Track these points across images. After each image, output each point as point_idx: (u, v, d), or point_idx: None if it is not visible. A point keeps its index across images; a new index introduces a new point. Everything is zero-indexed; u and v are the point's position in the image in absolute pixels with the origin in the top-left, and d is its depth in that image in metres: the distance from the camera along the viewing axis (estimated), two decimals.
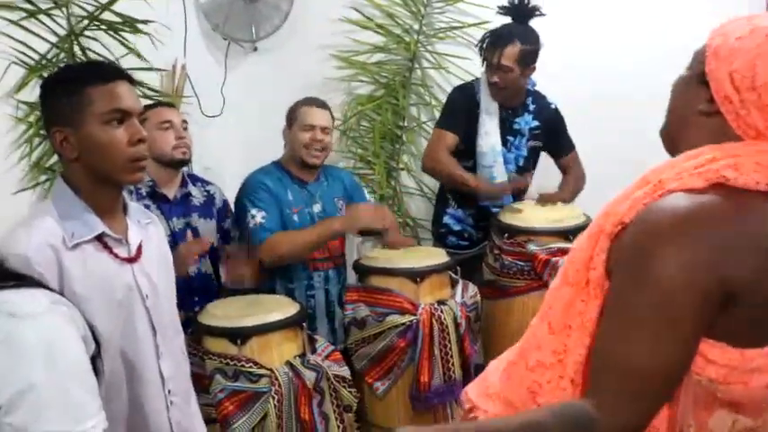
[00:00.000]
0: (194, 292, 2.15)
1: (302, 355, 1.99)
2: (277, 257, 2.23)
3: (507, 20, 2.55)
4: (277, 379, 1.88)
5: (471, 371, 2.28)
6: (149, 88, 2.61)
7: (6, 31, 2.24)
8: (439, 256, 2.39)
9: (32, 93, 2.24)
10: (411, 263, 2.29)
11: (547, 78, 2.70)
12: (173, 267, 1.54)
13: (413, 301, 2.20)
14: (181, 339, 1.51)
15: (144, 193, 2.08)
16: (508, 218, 2.45)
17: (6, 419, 0.81)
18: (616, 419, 0.82)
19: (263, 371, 1.88)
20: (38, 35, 2.32)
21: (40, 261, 1.20)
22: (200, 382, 1.85)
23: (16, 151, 2.30)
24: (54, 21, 2.35)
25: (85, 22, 2.41)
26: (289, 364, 1.94)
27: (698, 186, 0.83)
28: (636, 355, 0.82)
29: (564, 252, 2.26)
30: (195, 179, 2.30)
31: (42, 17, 2.32)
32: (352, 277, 2.50)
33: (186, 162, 2.19)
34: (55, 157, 2.20)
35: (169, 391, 1.42)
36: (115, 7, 2.44)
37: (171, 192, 2.14)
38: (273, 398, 1.86)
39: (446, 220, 2.77)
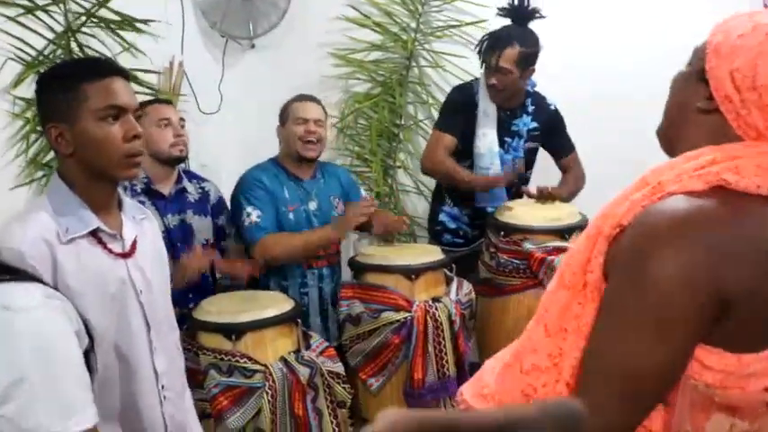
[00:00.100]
0: (189, 289, 2.15)
1: (296, 351, 2.00)
2: (270, 258, 2.25)
3: (506, 21, 2.55)
4: (271, 374, 1.89)
5: (465, 368, 2.30)
6: (147, 86, 2.62)
7: (3, 27, 2.24)
8: (434, 254, 2.40)
9: (29, 89, 2.25)
10: (406, 260, 2.30)
11: (547, 79, 2.70)
12: (167, 264, 1.54)
13: (408, 298, 2.21)
14: (176, 335, 1.51)
15: (139, 190, 2.09)
16: (504, 216, 2.45)
17: None
18: (603, 420, 0.81)
19: (257, 366, 1.89)
20: (35, 31, 2.32)
21: (34, 255, 1.20)
22: (195, 378, 1.86)
23: (13, 147, 2.31)
24: (51, 17, 2.35)
25: (83, 18, 2.41)
26: (283, 359, 1.95)
27: (697, 189, 0.82)
28: (628, 357, 0.81)
29: (560, 251, 2.27)
30: (191, 176, 2.30)
31: (40, 13, 2.32)
32: (347, 274, 2.51)
33: (183, 159, 2.20)
34: (52, 154, 2.21)
35: (163, 387, 1.41)
36: (113, 4, 2.45)
37: (166, 188, 2.15)
38: (267, 393, 1.87)
39: (442, 217, 2.77)
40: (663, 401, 0.85)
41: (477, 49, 2.56)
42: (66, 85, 1.28)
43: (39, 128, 2.23)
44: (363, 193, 2.62)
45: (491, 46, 2.49)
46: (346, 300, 2.26)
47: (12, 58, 2.27)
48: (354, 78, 3.19)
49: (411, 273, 2.24)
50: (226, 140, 3.02)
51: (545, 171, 2.85)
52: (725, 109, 0.85)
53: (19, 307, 0.87)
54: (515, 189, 2.68)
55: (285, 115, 2.39)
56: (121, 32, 2.51)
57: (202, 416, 1.71)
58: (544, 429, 0.82)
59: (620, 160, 2.86)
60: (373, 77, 3.18)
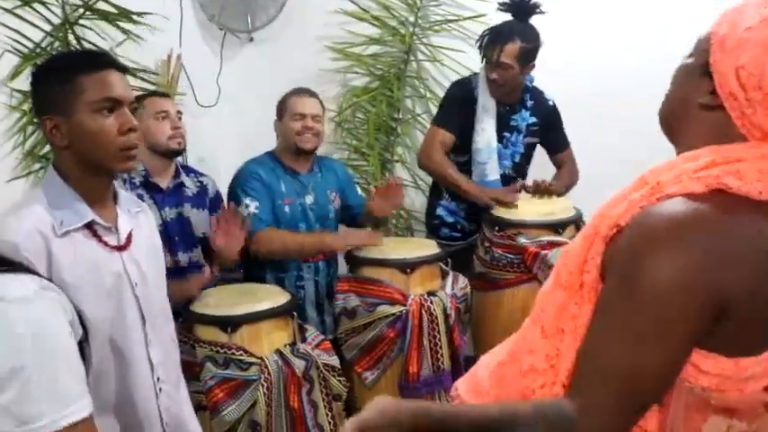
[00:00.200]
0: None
1: (292, 344, 2.01)
2: (266, 252, 2.27)
3: (505, 16, 2.55)
4: (267, 367, 1.90)
5: (461, 362, 2.31)
6: (145, 79, 2.62)
7: (1, 19, 2.23)
8: (430, 248, 2.41)
9: (26, 81, 2.21)
10: (402, 254, 2.31)
11: (547, 76, 2.70)
12: (163, 256, 1.55)
13: (403, 292, 2.22)
14: (171, 327, 1.52)
15: (137, 183, 2.09)
16: (499, 211, 2.46)
17: None
18: (598, 421, 0.80)
19: (252, 359, 1.90)
20: (32, 24, 2.32)
21: (29, 248, 1.21)
22: (191, 370, 1.87)
23: (10, 139, 2.31)
24: (48, 9, 2.34)
25: (80, 11, 2.41)
26: (278, 352, 1.96)
27: (697, 191, 0.79)
28: (623, 358, 0.79)
29: (554, 245, 2.28)
30: (188, 170, 2.30)
31: (37, 5, 2.31)
32: (344, 268, 2.52)
33: (181, 152, 2.20)
34: (49, 146, 2.21)
35: (158, 379, 1.42)
36: None
37: (164, 182, 2.15)
38: (263, 386, 1.88)
39: (439, 211, 2.78)
40: (658, 402, 0.84)
41: (478, 43, 2.56)
42: (61, 78, 1.28)
43: (36, 120, 2.23)
44: (358, 189, 2.63)
45: (492, 41, 2.49)
46: (342, 293, 2.28)
47: (9, 51, 2.26)
48: (352, 72, 3.19)
49: (406, 267, 2.25)
50: (224, 134, 3.02)
51: (541, 167, 2.85)
52: (729, 106, 0.82)
53: (14, 298, 0.88)
54: (512, 184, 2.68)
55: (282, 109, 2.40)
56: (119, 25, 2.51)
57: (198, 408, 1.72)
58: (537, 428, 0.81)
59: (620, 158, 2.86)
60: (371, 71, 3.18)
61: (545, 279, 2.34)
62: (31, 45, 2.32)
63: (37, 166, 2.35)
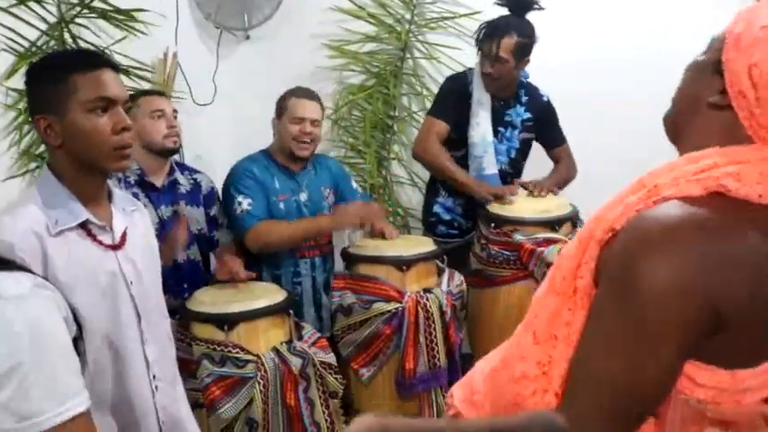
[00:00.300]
0: (183, 280, 2.17)
1: (289, 342, 2.02)
2: (263, 245, 2.27)
3: (501, 12, 2.55)
4: (263, 365, 1.90)
5: (456, 358, 2.32)
6: (140, 77, 2.62)
7: None
8: (426, 245, 2.42)
9: (22, 80, 2.19)
10: (398, 251, 2.31)
11: (547, 74, 2.70)
12: (158, 254, 1.55)
13: (399, 289, 2.22)
14: (167, 323, 1.52)
15: (132, 182, 2.10)
16: (495, 208, 2.47)
17: None
18: None
19: (249, 356, 1.91)
20: (28, 22, 2.32)
21: (23, 248, 1.21)
22: (188, 368, 1.88)
23: (6, 138, 2.31)
24: (44, 8, 2.35)
25: (76, 9, 2.41)
26: (275, 350, 1.96)
27: (695, 194, 0.77)
28: (614, 368, 0.76)
29: (550, 242, 2.28)
30: (183, 167, 2.31)
31: (32, 4, 2.31)
32: (340, 265, 2.52)
33: (176, 151, 2.20)
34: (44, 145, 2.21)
35: (154, 376, 1.43)
36: None
37: (159, 180, 2.16)
38: (259, 383, 1.89)
39: (436, 209, 2.78)
40: (653, 414, 0.81)
41: (475, 36, 2.56)
42: (55, 77, 1.28)
43: (31, 119, 2.23)
44: (354, 184, 2.63)
45: (489, 34, 2.50)
46: (338, 290, 2.28)
47: (5, 49, 2.27)
48: (349, 70, 3.19)
49: (402, 264, 2.26)
50: (220, 132, 3.03)
51: (537, 163, 2.86)
52: (737, 105, 0.79)
53: (9, 295, 0.88)
54: (510, 181, 2.69)
55: (282, 109, 2.39)
56: (115, 23, 2.51)
57: (195, 405, 1.72)
58: None
59: (619, 157, 2.87)
60: (367, 69, 3.18)
61: (541, 276, 2.36)
62: (26, 44, 2.32)
63: (33, 165, 2.35)
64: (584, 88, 2.88)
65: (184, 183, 2.23)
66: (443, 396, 2.29)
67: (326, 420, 2.01)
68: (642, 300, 0.74)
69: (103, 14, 2.46)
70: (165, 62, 2.78)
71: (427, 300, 2.22)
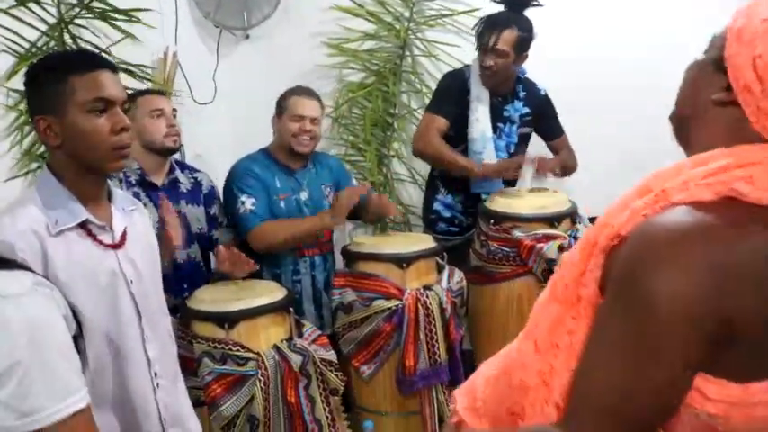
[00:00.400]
0: (183, 279, 2.18)
1: (289, 339, 2.03)
2: (266, 245, 2.28)
3: (497, 9, 2.56)
4: (263, 362, 1.91)
5: (457, 355, 2.32)
6: (140, 77, 2.63)
7: None
8: (426, 242, 2.42)
9: (23, 81, 2.24)
10: (397, 248, 2.32)
11: (547, 66, 2.70)
12: (158, 253, 1.56)
13: (399, 287, 2.23)
14: (167, 321, 1.53)
15: (133, 181, 2.11)
16: (494, 204, 2.47)
17: None
18: None
19: (249, 354, 1.91)
20: (28, 23, 2.33)
21: (23, 247, 1.23)
22: (189, 366, 1.88)
23: (7, 139, 2.32)
24: (44, 9, 2.36)
25: (76, 10, 2.42)
26: (275, 347, 1.97)
27: (705, 200, 0.73)
28: (616, 386, 0.74)
29: (549, 238, 2.28)
30: (183, 166, 2.32)
31: (32, 5, 2.32)
32: (340, 264, 2.53)
33: (176, 150, 2.21)
34: None
35: (156, 374, 1.44)
36: None
37: (159, 179, 2.17)
38: (260, 381, 1.90)
39: (436, 206, 2.79)
40: (662, 430, 0.78)
41: (475, 30, 2.56)
42: (53, 78, 1.29)
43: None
44: (355, 182, 2.64)
45: (490, 27, 2.50)
46: (338, 288, 2.29)
47: (5, 50, 2.28)
48: (348, 68, 3.20)
49: (402, 261, 2.26)
50: (220, 131, 3.04)
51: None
52: (743, 101, 0.76)
53: (9, 294, 0.89)
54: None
55: (282, 107, 2.40)
56: (115, 23, 2.52)
57: (196, 403, 1.73)
58: None
59: (619, 149, 2.88)
60: (367, 67, 3.18)
61: (540, 272, 2.36)
62: (27, 45, 2.33)
63: (34, 165, 2.36)
64: (583, 81, 2.88)
65: (185, 182, 2.24)
66: (444, 392, 2.30)
67: (327, 417, 2.02)
68: (649, 313, 0.71)
69: (102, 15, 2.47)
70: (164, 61, 2.79)
71: (427, 297, 2.23)
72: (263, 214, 2.30)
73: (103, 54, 2.33)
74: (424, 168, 3.02)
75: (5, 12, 2.27)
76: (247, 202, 2.29)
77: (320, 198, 2.45)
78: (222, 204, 2.36)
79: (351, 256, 2.38)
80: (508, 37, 2.47)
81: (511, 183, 2.73)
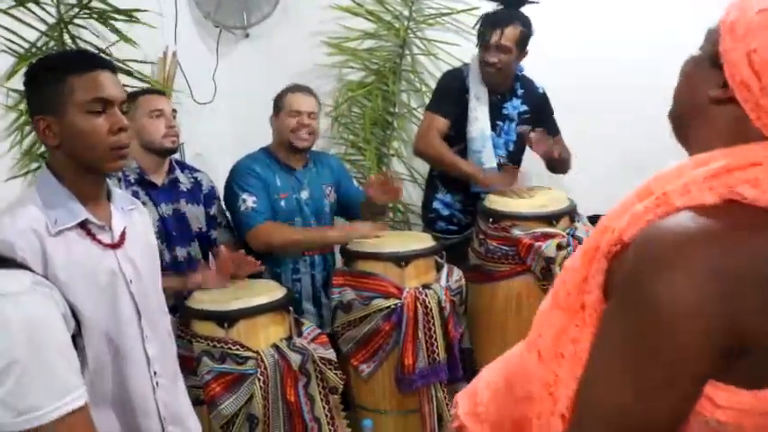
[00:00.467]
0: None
1: (288, 338, 2.03)
2: (266, 245, 2.29)
3: (496, 7, 2.56)
4: (263, 361, 1.92)
5: (456, 353, 2.33)
6: (140, 76, 2.63)
7: None
8: (424, 241, 2.43)
9: (22, 81, 2.25)
10: (396, 247, 2.32)
11: (546, 65, 2.71)
12: (158, 252, 1.57)
13: (398, 285, 2.24)
14: (167, 320, 1.54)
15: (132, 180, 2.11)
16: (493, 203, 2.47)
17: None
18: None
19: (249, 353, 1.92)
20: (27, 23, 2.33)
21: (23, 247, 1.23)
22: (188, 365, 1.89)
23: (7, 139, 2.33)
24: (43, 9, 2.36)
25: (75, 10, 2.42)
26: (275, 346, 1.98)
27: (709, 203, 0.71)
28: (621, 397, 0.71)
29: (548, 236, 2.29)
30: (183, 166, 2.32)
31: (32, 5, 2.32)
32: (340, 263, 2.53)
33: (175, 150, 2.21)
34: None
35: (155, 373, 1.44)
36: None
37: (159, 178, 2.17)
38: (259, 379, 1.90)
39: (435, 205, 2.79)
40: None
41: (477, 27, 2.56)
42: (52, 78, 1.30)
43: None
44: (356, 184, 2.65)
45: (492, 23, 2.50)
46: (338, 287, 2.29)
47: (4, 50, 2.28)
48: (348, 67, 3.20)
49: (401, 260, 2.27)
50: (220, 130, 3.05)
51: (534, 155, 2.86)
52: (741, 97, 0.74)
53: (8, 292, 0.90)
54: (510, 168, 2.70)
55: (279, 105, 2.41)
56: (114, 23, 2.52)
57: (195, 402, 1.73)
58: None
59: (618, 148, 2.88)
60: (366, 66, 3.19)
61: (539, 271, 2.36)
62: (26, 45, 2.33)
63: (34, 165, 2.36)
64: (583, 81, 2.88)
65: (185, 181, 2.25)
66: (443, 391, 2.30)
67: (327, 416, 2.03)
68: (655, 322, 0.69)
69: (102, 15, 2.47)
70: (164, 61, 2.80)
71: (426, 295, 2.23)
72: (265, 212, 2.31)
73: (103, 54, 2.33)
74: (423, 167, 3.03)
75: (5, 12, 2.27)
76: (249, 201, 2.30)
77: (320, 197, 2.46)
78: (221, 204, 2.36)
79: (350, 255, 2.38)
80: (511, 33, 2.48)
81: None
